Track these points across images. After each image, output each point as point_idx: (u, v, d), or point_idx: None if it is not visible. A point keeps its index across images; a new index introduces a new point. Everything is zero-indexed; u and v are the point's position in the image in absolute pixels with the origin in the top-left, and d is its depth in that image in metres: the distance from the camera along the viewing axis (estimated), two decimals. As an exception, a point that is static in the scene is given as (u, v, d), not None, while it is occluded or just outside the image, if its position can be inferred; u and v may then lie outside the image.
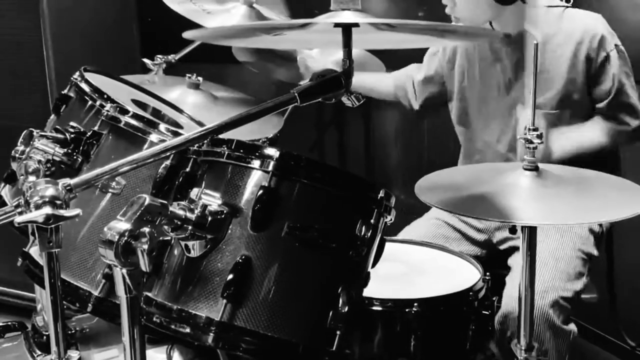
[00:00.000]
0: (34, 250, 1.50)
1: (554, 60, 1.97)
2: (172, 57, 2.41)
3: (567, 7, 2.00)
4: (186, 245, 1.26)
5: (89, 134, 1.50)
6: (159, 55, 2.40)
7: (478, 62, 2.11)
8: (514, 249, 2.02)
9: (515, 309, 1.76)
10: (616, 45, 1.95)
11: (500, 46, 2.05)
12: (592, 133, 2.00)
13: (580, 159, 1.89)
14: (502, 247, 2.09)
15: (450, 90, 2.22)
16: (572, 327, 1.84)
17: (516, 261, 1.94)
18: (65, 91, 1.67)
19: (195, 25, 2.09)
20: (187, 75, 2.29)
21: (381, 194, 1.34)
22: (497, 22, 2.03)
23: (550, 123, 1.99)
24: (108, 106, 1.52)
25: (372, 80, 2.39)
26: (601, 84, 1.96)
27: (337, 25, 1.31)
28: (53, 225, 1.09)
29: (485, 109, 2.12)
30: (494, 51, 2.07)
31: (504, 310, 1.79)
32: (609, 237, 2.16)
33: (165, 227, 1.19)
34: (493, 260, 2.05)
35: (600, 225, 2.05)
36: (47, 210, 1.08)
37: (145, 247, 1.10)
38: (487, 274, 1.65)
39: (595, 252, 2.00)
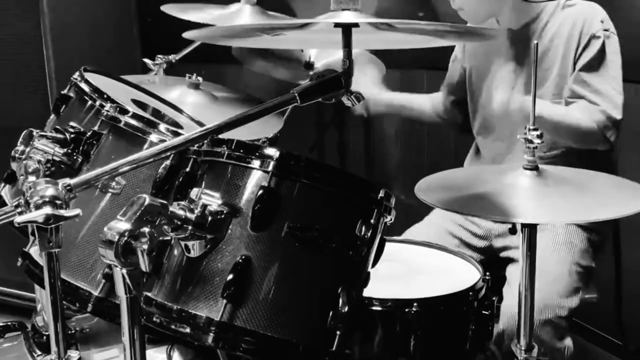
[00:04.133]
0: (34, 250, 1.49)
1: (551, 51, 1.97)
2: (172, 57, 2.41)
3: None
4: (186, 245, 1.26)
5: (88, 134, 1.50)
6: (159, 55, 2.40)
7: (483, 60, 2.11)
8: (512, 259, 2.00)
9: (513, 327, 1.74)
10: (605, 30, 1.91)
11: (502, 44, 2.05)
12: (577, 112, 1.93)
13: (575, 153, 1.90)
14: (502, 254, 2.07)
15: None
16: (568, 342, 1.83)
17: (513, 273, 1.92)
18: (65, 91, 1.67)
19: (195, 26, 2.09)
20: (187, 75, 2.29)
21: (381, 194, 1.34)
22: (500, 19, 2.04)
23: None
24: (108, 106, 1.52)
25: (418, 104, 2.37)
26: (579, 59, 1.92)
27: (337, 25, 1.31)
28: (53, 225, 1.09)
29: (491, 106, 2.11)
30: (497, 49, 2.07)
31: (501, 328, 1.77)
32: (617, 247, 2.15)
33: (165, 227, 1.19)
34: (493, 265, 2.04)
35: (598, 233, 2.03)
36: (47, 210, 1.08)
37: (145, 247, 1.10)
38: (487, 273, 1.65)
39: (593, 264, 1.98)
